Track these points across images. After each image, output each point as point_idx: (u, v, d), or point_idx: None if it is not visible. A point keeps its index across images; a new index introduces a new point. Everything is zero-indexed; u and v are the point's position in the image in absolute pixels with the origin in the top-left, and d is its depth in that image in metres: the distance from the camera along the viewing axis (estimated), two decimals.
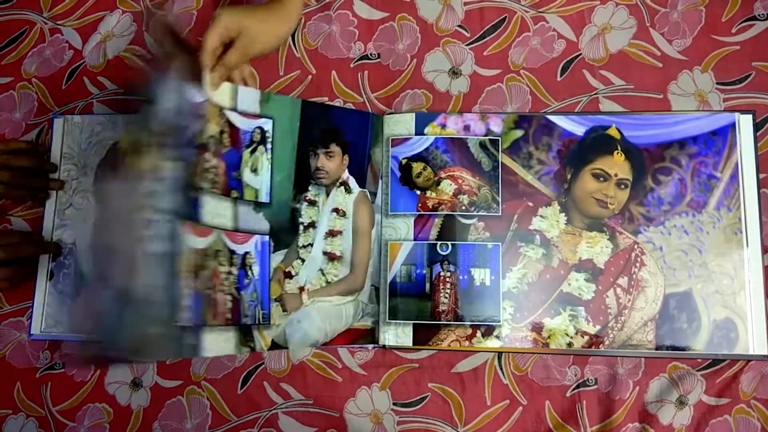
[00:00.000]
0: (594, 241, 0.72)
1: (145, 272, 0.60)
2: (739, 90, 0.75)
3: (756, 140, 0.73)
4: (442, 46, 0.81)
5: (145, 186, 0.62)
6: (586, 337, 0.70)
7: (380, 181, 0.76)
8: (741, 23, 0.77)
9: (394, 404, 0.72)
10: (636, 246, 0.72)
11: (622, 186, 0.73)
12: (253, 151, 0.74)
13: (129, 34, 0.85)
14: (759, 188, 0.71)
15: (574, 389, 0.71)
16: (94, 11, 0.86)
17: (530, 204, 0.74)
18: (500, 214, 0.74)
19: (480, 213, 0.74)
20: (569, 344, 0.70)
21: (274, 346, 0.71)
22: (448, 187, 0.75)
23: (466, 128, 0.76)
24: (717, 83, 0.76)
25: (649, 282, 0.71)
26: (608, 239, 0.72)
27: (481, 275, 0.73)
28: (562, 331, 0.71)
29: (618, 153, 0.73)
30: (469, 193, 0.74)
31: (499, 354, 0.72)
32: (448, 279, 0.73)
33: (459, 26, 0.81)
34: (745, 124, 0.73)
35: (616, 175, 0.73)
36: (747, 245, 0.70)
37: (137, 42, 0.85)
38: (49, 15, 0.87)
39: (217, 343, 0.67)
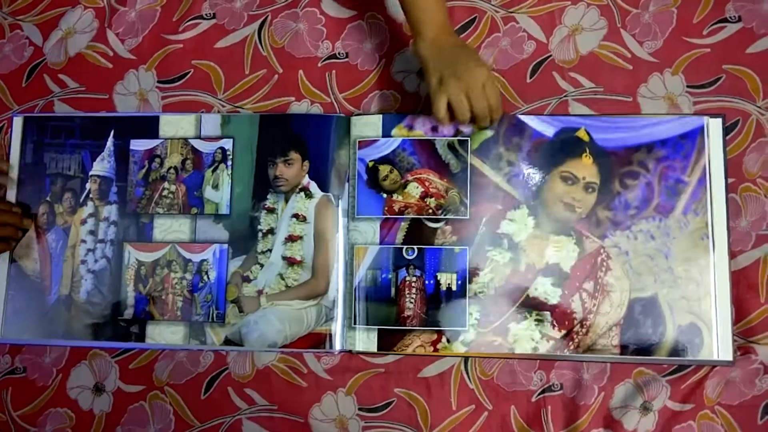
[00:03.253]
0: (561, 245, 0.72)
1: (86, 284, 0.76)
2: (709, 93, 0.74)
3: (725, 144, 0.72)
4: (412, 46, 0.79)
5: (84, 228, 0.77)
6: (552, 342, 0.70)
7: (347, 184, 0.75)
8: (712, 25, 0.76)
9: (359, 409, 0.72)
10: (602, 250, 0.71)
11: (590, 189, 0.72)
12: (214, 170, 0.77)
13: (91, 31, 0.83)
14: (727, 193, 0.71)
15: (539, 394, 0.70)
16: (55, 7, 0.84)
17: (499, 207, 0.73)
18: (468, 217, 0.73)
19: (447, 216, 0.73)
20: (534, 348, 0.70)
21: (228, 342, 0.73)
22: (414, 190, 0.74)
23: (434, 129, 0.75)
24: (687, 86, 0.75)
25: (615, 287, 0.70)
26: (575, 243, 0.72)
27: (447, 280, 0.72)
28: (528, 335, 0.70)
29: (586, 156, 0.72)
30: (436, 195, 0.73)
31: (466, 359, 0.72)
32: (413, 284, 0.72)
33: None
34: (714, 128, 0.72)
35: (584, 178, 0.72)
36: (714, 250, 0.70)
37: (99, 39, 0.82)
38: (9, 10, 0.85)
39: (163, 334, 0.74)
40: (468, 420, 0.71)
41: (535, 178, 0.73)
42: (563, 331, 0.70)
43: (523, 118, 0.74)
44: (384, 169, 0.74)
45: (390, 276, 0.72)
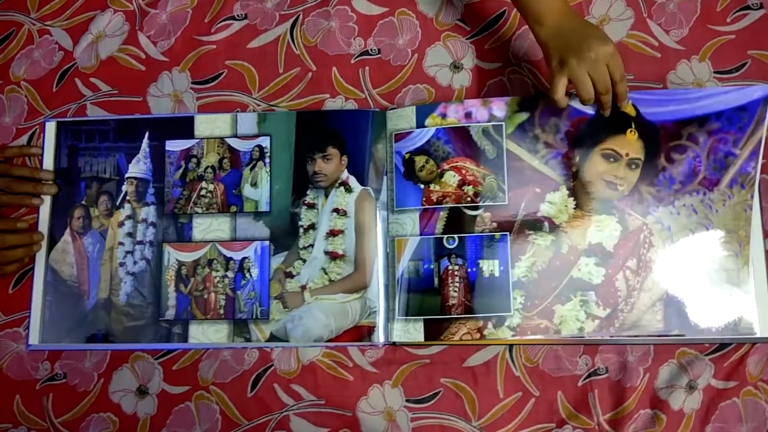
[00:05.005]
0: (603, 225, 0.71)
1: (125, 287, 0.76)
2: (736, 78, 0.76)
3: None
4: (443, 41, 0.80)
5: (121, 231, 0.77)
6: (597, 321, 0.70)
7: (384, 177, 0.75)
8: (735, 12, 0.78)
9: (407, 401, 0.72)
10: (645, 227, 0.71)
11: (633, 166, 0.71)
12: (252, 168, 0.77)
13: (122, 34, 0.83)
14: (759, 174, 0.72)
15: (585, 378, 0.71)
16: (84, 11, 0.84)
17: (537, 190, 0.72)
18: (507, 202, 0.72)
19: (486, 203, 0.73)
20: (580, 329, 0.70)
21: (273, 338, 0.73)
22: (451, 178, 0.74)
23: (468, 116, 0.74)
24: (714, 72, 0.77)
25: (657, 262, 0.71)
26: (617, 222, 0.71)
27: (489, 267, 0.72)
28: (573, 316, 0.70)
29: (632, 131, 0.71)
30: (474, 183, 0.73)
31: (510, 346, 0.72)
32: (456, 272, 0.72)
33: (459, 20, 0.81)
34: None
35: (627, 154, 0.71)
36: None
37: (131, 41, 0.83)
38: (37, 15, 0.85)
39: (206, 333, 0.74)
40: (516, 407, 0.71)
41: (575, 158, 0.72)
42: (608, 310, 0.70)
43: None
44: (420, 160, 0.74)
45: (432, 266, 0.72)
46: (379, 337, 0.72)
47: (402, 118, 0.76)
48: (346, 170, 0.76)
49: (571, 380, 0.71)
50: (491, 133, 0.74)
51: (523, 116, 0.74)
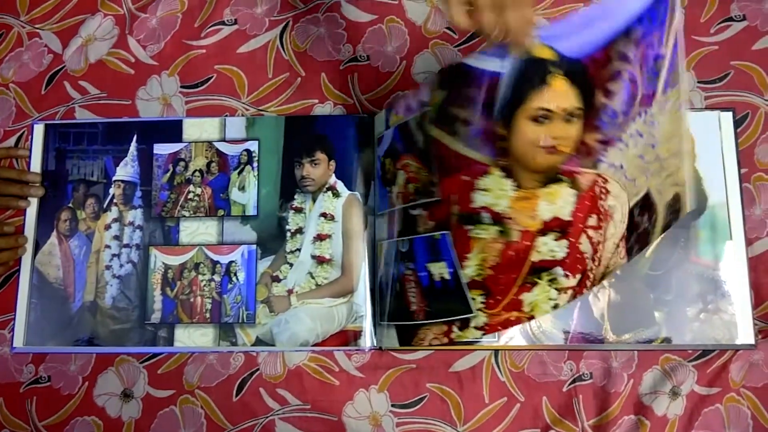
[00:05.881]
0: (554, 196, 0.60)
1: (111, 289, 0.76)
2: (718, 88, 0.77)
3: (736, 137, 0.75)
4: (431, 48, 0.81)
5: (108, 234, 0.77)
6: (570, 291, 0.61)
7: (372, 182, 0.76)
8: (719, 24, 0.79)
9: (392, 406, 0.72)
10: (598, 178, 0.61)
11: (571, 118, 0.58)
12: (240, 172, 0.77)
13: (111, 38, 0.83)
14: (741, 183, 0.74)
15: (570, 384, 0.71)
16: (74, 14, 0.84)
17: (465, 178, 0.62)
18: (440, 198, 0.63)
19: (420, 200, 0.65)
20: (555, 306, 0.62)
21: (259, 342, 0.73)
22: (401, 178, 0.68)
23: (408, 108, 0.67)
24: (698, 82, 0.78)
25: (615, 206, 0.61)
26: (569, 186, 0.60)
27: (438, 270, 0.64)
28: (544, 297, 0.62)
29: (556, 77, 0.57)
30: (413, 179, 0.66)
31: (496, 351, 0.72)
32: (410, 278, 0.67)
33: (447, 28, 0.82)
34: (725, 121, 0.75)
35: (563, 109, 0.58)
36: (731, 238, 0.72)
37: (120, 45, 0.83)
38: (27, 18, 0.85)
39: (192, 337, 0.74)
40: (501, 412, 0.71)
41: (497, 132, 0.60)
42: (578, 276, 0.61)
43: (470, 61, 0.59)
44: (387, 163, 0.72)
45: (394, 271, 0.69)
46: (366, 341, 0.72)
47: (380, 122, 0.74)
48: (333, 175, 0.76)
49: (556, 385, 0.71)
50: (421, 121, 0.65)
51: (442, 94, 0.63)
